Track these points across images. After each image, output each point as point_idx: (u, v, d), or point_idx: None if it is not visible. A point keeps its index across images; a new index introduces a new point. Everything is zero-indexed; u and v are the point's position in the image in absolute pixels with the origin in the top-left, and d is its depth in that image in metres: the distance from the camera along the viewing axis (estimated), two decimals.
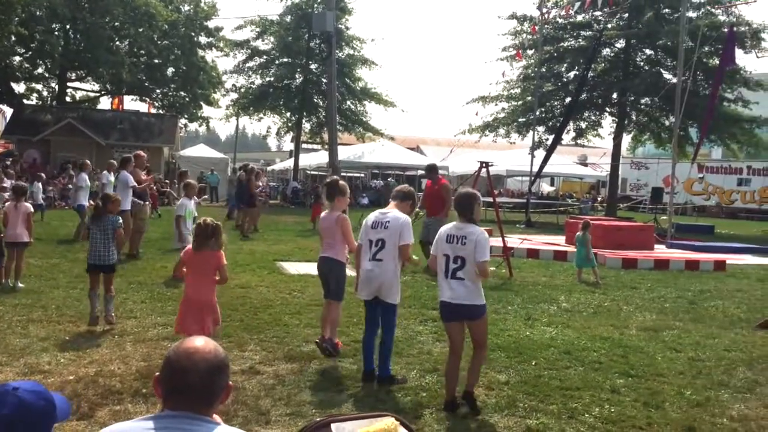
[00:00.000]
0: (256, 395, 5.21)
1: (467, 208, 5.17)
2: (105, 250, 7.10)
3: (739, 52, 25.63)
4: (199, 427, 1.92)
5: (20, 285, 8.97)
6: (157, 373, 2.02)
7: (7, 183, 21.77)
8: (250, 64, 36.67)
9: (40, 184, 19.46)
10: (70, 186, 19.82)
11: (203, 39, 39.41)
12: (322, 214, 6.20)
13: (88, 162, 15.77)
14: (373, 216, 5.84)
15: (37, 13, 31.75)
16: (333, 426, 2.39)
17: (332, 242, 6.06)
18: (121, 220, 7.31)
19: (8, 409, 1.86)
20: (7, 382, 1.98)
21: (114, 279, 7.35)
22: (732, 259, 15.17)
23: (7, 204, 9.76)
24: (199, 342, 2.04)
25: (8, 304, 7.90)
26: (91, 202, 14.07)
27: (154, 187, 24.59)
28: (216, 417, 2.08)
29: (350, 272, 6.64)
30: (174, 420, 1.93)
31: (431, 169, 12.65)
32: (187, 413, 1.94)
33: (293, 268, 11.63)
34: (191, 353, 1.98)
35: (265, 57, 36.35)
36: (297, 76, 36.06)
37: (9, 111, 37.95)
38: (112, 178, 14.65)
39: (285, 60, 35.84)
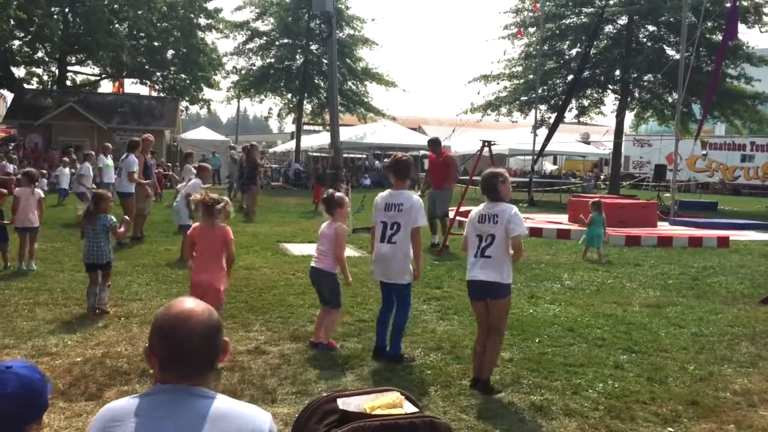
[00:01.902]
0: (262, 375, 5.26)
1: (490, 187, 5.10)
2: (100, 249, 7.14)
3: (741, 27, 25.46)
4: (194, 402, 1.85)
5: (33, 267, 9.11)
6: (147, 344, 1.92)
7: (11, 168, 21.82)
8: (251, 45, 36.52)
9: (66, 170, 19.43)
10: (73, 171, 19.81)
11: (203, 20, 39.11)
12: (324, 224, 6.17)
13: (93, 153, 15.78)
14: (384, 198, 5.78)
15: None
16: (339, 401, 2.43)
17: (325, 251, 6.02)
18: (114, 220, 7.31)
19: (12, 387, 1.88)
20: None
21: (111, 273, 7.40)
22: (735, 235, 15.14)
23: (17, 189, 9.81)
24: (190, 304, 1.91)
25: (14, 288, 7.95)
26: (93, 187, 14.10)
27: (160, 170, 24.61)
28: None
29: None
30: (166, 396, 1.87)
31: (435, 142, 12.68)
32: (182, 387, 1.86)
33: (296, 249, 11.66)
34: (186, 317, 1.86)
35: (265, 38, 36.18)
36: (297, 57, 35.91)
37: (9, 96, 37.88)
38: (109, 161, 14.66)
39: (285, 41, 35.67)
